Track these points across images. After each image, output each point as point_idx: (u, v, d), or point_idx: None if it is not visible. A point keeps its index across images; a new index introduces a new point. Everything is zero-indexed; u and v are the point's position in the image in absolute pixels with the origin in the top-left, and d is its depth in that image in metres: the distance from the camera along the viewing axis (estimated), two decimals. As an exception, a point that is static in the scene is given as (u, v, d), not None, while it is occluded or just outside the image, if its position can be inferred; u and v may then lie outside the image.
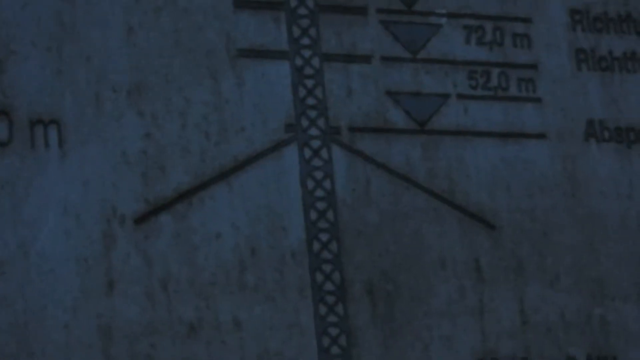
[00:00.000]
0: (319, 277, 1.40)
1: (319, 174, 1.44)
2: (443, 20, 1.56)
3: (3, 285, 1.32)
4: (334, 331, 1.38)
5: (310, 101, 1.47)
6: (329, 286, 1.40)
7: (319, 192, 1.43)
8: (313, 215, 1.42)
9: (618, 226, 1.59)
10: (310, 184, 1.43)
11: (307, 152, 1.46)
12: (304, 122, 1.46)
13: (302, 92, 1.48)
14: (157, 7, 1.46)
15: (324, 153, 1.45)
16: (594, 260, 1.55)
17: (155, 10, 1.46)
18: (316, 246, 1.40)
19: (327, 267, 1.40)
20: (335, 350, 1.39)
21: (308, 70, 1.47)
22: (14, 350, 1.31)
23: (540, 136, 1.55)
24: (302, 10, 1.51)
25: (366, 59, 1.51)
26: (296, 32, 1.49)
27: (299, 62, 1.48)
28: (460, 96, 1.54)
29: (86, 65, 1.39)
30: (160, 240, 1.37)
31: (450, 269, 1.49)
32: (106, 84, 1.40)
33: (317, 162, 1.45)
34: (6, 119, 1.36)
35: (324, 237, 1.41)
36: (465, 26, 1.59)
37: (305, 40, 1.49)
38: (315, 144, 1.47)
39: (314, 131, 1.47)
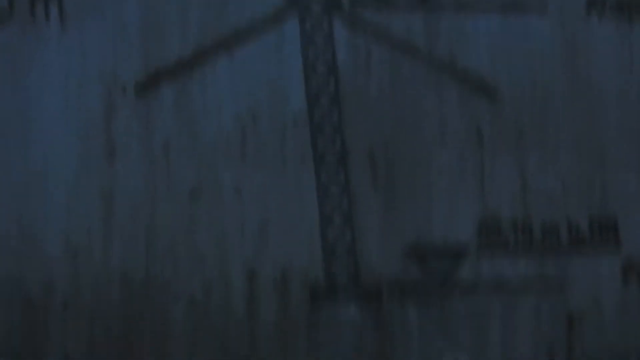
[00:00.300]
0: (320, 145, 1.43)
1: (320, 44, 1.45)
2: None
3: (4, 152, 1.39)
4: (335, 198, 1.42)
5: None
6: (329, 154, 1.43)
7: (320, 63, 1.45)
8: (314, 85, 1.44)
9: (618, 97, 1.58)
10: (312, 54, 1.44)
11: (309, 23, 1.46)
12: None
13: None
14: None
15: (325, 24, 1.45)
16: (593, 130, 1.56)
17: None
18: (317, 115, 1.43)
19: (328, 136, 1.42)
20: (337, 216, 1.43)
21: None
22: (16, 214, 1.38)
23: (542, 9, 1.54)
24: None
25: None
26: None
27: None
28: None
29: None
30: (161, 110, 1.40)
31: (451, 137, 1.50)
32: None
33: (318, 32, 1.46)
34: None
35: (324, 106, 1.44)
36: None
37: None
38: (317, 14, 1.47)
39: (315, 3, 1.47)
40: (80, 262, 1.36)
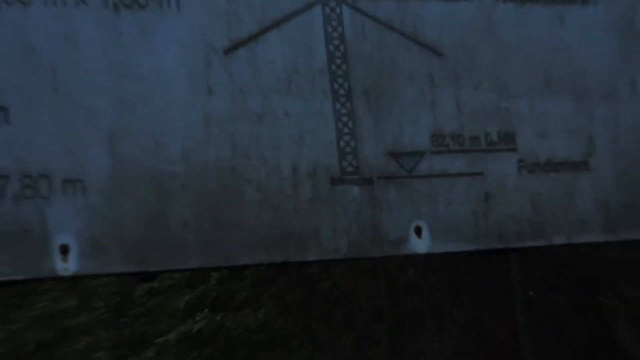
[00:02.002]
0: (335, 86, 1.81)
1: (334, 23, 1.80)
2: None
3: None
4: (344, 119, 1.80)
5: None
6: (341, 91, 1.81)
7: (335, 34, 1.80)
8: (331, 47, 1.80)
9: (519, 51, 1.92)
10: (328, 29, 1.79)
11: (327, 10, 1.80)
12: None
13: None
14: None
15: (337, 10, 1.80)
16: (503, 72, 1.92)
17: None
18: (333, 67, 1.80)
19: (340, 80, 1.80)
20: (345, 131, 1.80)
21: None
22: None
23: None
24: None
25: None
26: None
27: None
28: None
29: None
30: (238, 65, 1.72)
31: (415, 79, 1.84)
32: None
33: (333, 16, 1.80)
34: None
35: (338, 62, 1.80)
36: None
37: None
38: (332, 4, 1.81)
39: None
40: (192, 159, 1.66)
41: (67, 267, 1.61)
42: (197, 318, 5.45)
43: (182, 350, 5.53)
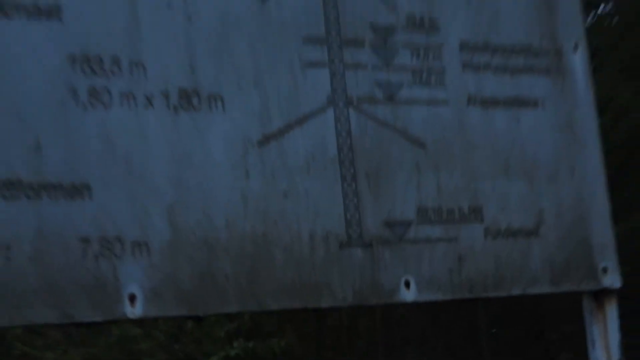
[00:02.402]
0: (344, 171, 1.79)
1: (342, 121, 1.78)
2: None
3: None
4: (350, 196, 1.80)
5: (338, 86, 1.79)
6: (348, 175, 1.79)
7: (343, 129, 1.78)
8: (341, 140, 1.80)
9: (484, 144, 1.91)
10: (339, 126, 1.78)
11: (337, 111, 1.80)
12: (337, 98, 1.79)
13: (334, 83, 1.78)
14: None
15: (344, 112, 1.79)
16: (471, 161, 1.89)
17: None
18: (342, 157, 1.79)
19: (347, 167, 1.79)
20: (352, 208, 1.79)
21: (337, 72, 1.79)
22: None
23: (446, 102, 1.87)
24: (335, 44, 1.80)
25: (364, 66, 1.81)
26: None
27: (333, 68, 1.79)
28: (409, 84, 1.83)
29: None
30: None
31: (404, 166, 1.84)
32: None
33: (341, 116, 1.79)
34: None
35: (346, 152, 1.79)
36: None
37: (337, 58, 1.79)
38: (341, 106, 1.79)
39: (340, 101, 1.79)
40: (233, 228, 1.66)
41: (134, 311, 1.60)
42: (235, 345, 5.56)
43: (222, 371, 5.63)
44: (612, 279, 1.92)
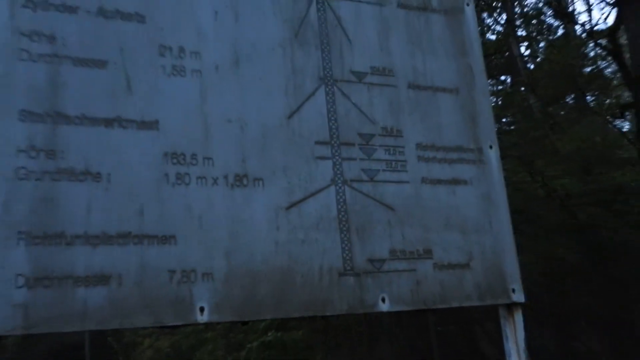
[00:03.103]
0: (341, 226, 1.72)
1: (340, 194, 1.72)
2: None
3: None
4: (345, 242, 1.73)
5: (339, 176, 1.74)
6: (344, 229, 1.72)
7: (340, 201, 1.72)
8: (339, 207, 1.74)
9: (432, 209, 1.86)
10: (338, 197, 1.72)
11: (336, 190, 1.75)
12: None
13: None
14: None
15: (341, 190, 1.77)
16: (426, 218, 1.83)
17: None
18: (341, 217, 1.75)
19: (344, 223, 1.76)
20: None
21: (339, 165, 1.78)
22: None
23: (407, 182, 1.82)
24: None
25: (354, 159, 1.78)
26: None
27: (334, 160, 1.74)
28: (384, 170, 1.77)
29: None
30: None
31: (379, 223, 1.76)
32: None
33: (340, 193, 1.75)
34: None
35: (343, 214, 1.73)
36: None
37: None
38: (339, 185, 1.76)
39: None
40: (269, 263, 1.57)
41: (203, 318, 1.53)
42: (269, 334, 5.44)
43: (260, 352, 5.48)
44: (518, 296, 1.81)
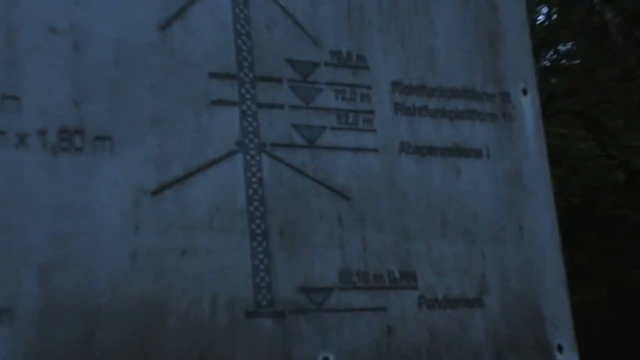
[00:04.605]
0: (253, 226, 1.72)
1: (254, 169, 1.73)
2: None
3: None
4: (260, 256, 1.71)
5: (250, 129, 1.75)
6: (258, 231, 1.72)
7: (254, 179, 1.73)
8: (250, 191, 1.73)
9: (419, 197, 1.91)
10: (249, 174, 1.72)
11: (247, 157, 1.73)
12: (246, 140, 1.74)
13: (245, 123, 1.75)
14: None
15: (257, 158, 1.74)
16: (403, 219, 1.85)
17: None
18: (251, 208, 1.71)
19: (257, 221, 1.71)
20: (261, 265, 1.70)
21: (249, 112, 1.76)
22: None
23: (374, 150, 1.84)
24: (246, 79, 1.78)
25: (281, 106, 1.79)
26: (242, 91, 1.76)
27: (243, 107, 1.77)
28: (332, 127, 1.81)
29: None
30: None
31: (325, 222, 1.77)
32: None
33: (253, 162, 1.74)
34: None
35: (256, 204, 1.72)
36: (335, 90, 1.85)
37: (248, 96, 1.76)
38: (252, 152, 1.74)
39: (251, 145, 1.74)
40: (118, 290, 1.56)
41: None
42: None
43: None
44: (568, 357, 1.92)
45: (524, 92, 2.07)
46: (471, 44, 2.04)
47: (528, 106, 2.07)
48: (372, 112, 1.85)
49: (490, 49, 2.06)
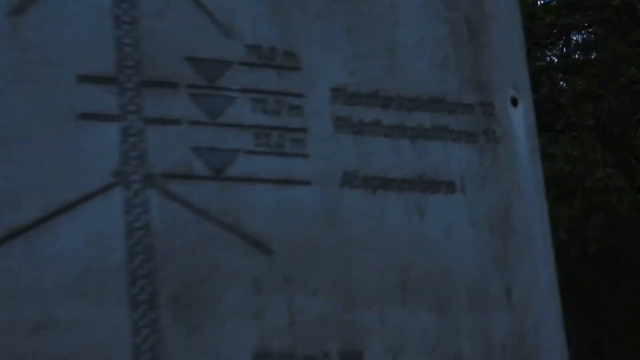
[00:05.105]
0: (135, 290, 1.71)
1: (137, 210, 1.73)
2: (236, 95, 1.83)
3: None
4: (144, 331, 1.69)
5: (133, 154, 1.75)
6: (142, 296, 1.71)
7: (137, 224, 1.73)
8: (131, 241, 1.72)
9: (370, 248, 1.88)
10: (131, 217, 1.72)
11: (129, 193, 1.74)
12: (127, 170, 1.74)
13: (126, 146, 1.75)
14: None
15: (142, 194, 1.74)
16: (347, 274, 1.85)
17: None
18: (133, 265, 1.71)
19: (142, 282, 1.70)
20: (146, 349, 1.68)
21: (132, 130, 1.76)
22: None
23: (307, 183, 1.86)
24: (129, 85, 1.79)
25: (177, 122, 1.80)
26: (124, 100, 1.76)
27: (125, 124, 1.77)
28: (248, 151, 1.84)
29: None
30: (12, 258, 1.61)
31: (235, 283, 1.76)
32: None
33: (136, 200, 1.75)
34: None
35: (140, 258, 1.71)
36: (252, 99, 1.87)
37: (131, 107, 1.77)
38: (136, 186, 1.74)
39: (134, 177, 1.74)
40: None
41: None
42: None
43: None
44: None
45: (514, 101, 2.08)
46: (444, 36, 2.06)
47: (519, 121, 2.09)
48: (304, 129, 1.87)
49: (470, 43, 2.08)
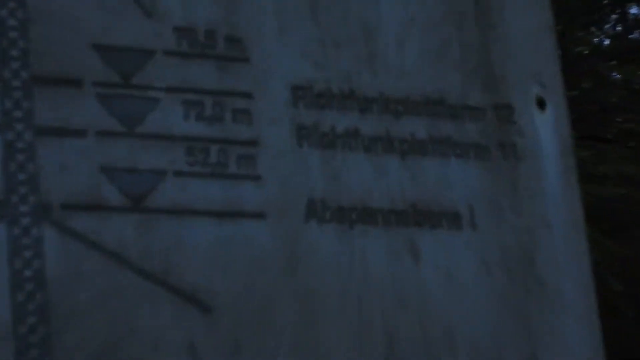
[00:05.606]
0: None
1: (28, 253, 1.71)
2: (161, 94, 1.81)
3: None
4: None
5: (21, 176, 1.74)
6: None
7: (28, 272, 1.71)
8: (20, 296, 1.70)
9: (343, 303, 1.87)
10: (18, 263, 1.71)
11: (16, 230, 1.73)
12: (14, 199, 1.73)
13: (12, 166, 1.74)
14: None
15: (34, 231, 1.72)
16: (314, 337, 1.84)
17: None
18: (22, 329, 1.69)
19: (34, 352, 1.67)
20: None
21: (20, 144, 1.74)
22: None
23: (260, 215, 1.85)
24: (15, 83, 1.77)
25: (81, 133, 1.78)
26: (8, 104, 1.74)
27: (10, 135, 1.76)
28: (178, 173, 1.82)
29: None
30: None
31: (164, 351, 1.75)
32: None
33: (26, 240, 1.72)
34: None
35: (31, 319, 1.69)
36: (184, 101, 1.86)
37: (18, 113, 1.75)
38: (25, 221, 1.73)
39: (24, 208, 1.73)
40: None
41: None
42: None
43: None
44: None
45: (541, 103, 2.07)
46: (441, 14, 2.06)
47: (548, 129, 2.08)
48: (254, 142, 1.88)
49: (477, 24, 2.08)
